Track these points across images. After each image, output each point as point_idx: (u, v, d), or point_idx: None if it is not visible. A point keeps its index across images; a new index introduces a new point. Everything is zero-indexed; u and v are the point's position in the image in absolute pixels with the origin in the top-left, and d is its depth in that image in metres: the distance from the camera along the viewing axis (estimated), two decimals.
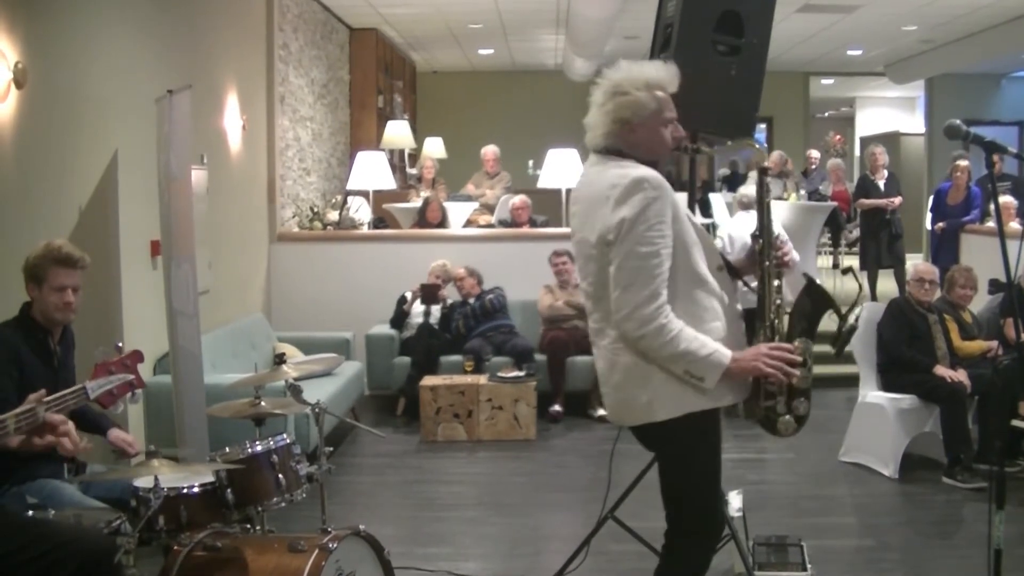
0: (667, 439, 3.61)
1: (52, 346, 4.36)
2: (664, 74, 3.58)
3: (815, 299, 3.73)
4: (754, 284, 3.80)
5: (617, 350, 3.55)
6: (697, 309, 3.49)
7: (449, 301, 9.54)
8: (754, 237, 3.80)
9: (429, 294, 9.40)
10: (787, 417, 3.68)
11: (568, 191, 11.00)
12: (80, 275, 4.41)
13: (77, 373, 4.43)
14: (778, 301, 3.71)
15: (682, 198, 4.00)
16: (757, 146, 4.29)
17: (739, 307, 3.70)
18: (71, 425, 3.98)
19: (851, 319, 3.84)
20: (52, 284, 4.31)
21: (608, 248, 3.43)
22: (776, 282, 3.72)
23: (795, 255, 4.06)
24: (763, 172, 3.86)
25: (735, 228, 9.30)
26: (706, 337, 3.43)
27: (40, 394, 3.18)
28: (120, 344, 3.80)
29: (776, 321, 3.69)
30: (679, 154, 3.80)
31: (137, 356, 3.74)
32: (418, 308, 9.47)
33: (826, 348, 4.09)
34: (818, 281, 3.79)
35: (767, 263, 3.73)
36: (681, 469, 3.65)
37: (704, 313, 3.51)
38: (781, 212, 11.91)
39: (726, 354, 3.43)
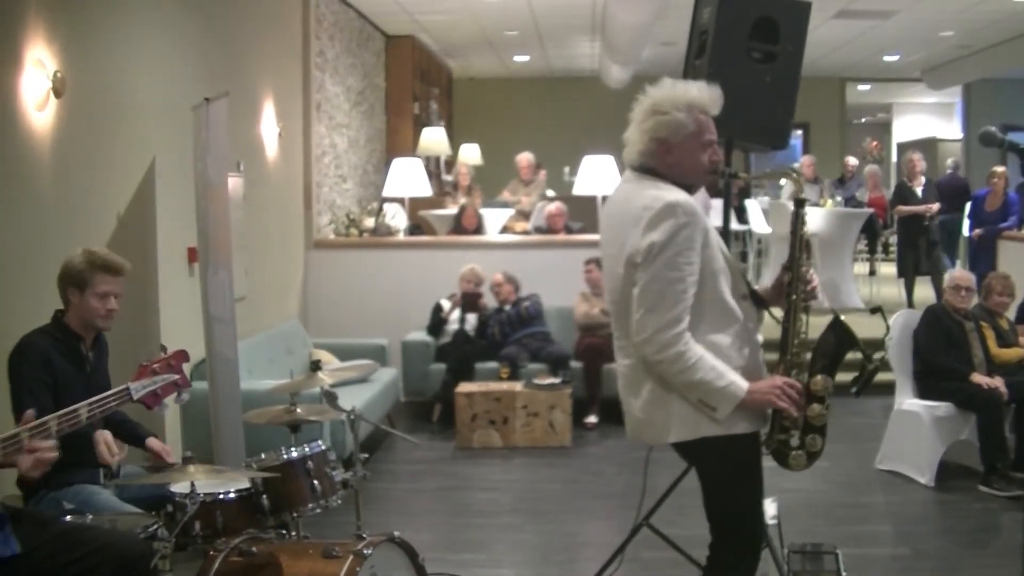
0: (701, 456, 3.61)
1: (84, 352, 4.39)
2: (706, 96, 3.55)
3: (840, 336, 3.67)
4: (779, 313, 3.76)
5: (639, 371, 3.54)
6: (719, 337, 3.48)
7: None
8: (784, 268, 3.76)
9: (470, 302, 9.43)
10: (799, 452, 3.66)
11: (604, 198, 11.01)
12: (122, 282, 4.45)
13: (113, 379, 4.46)
14: (803, 335, 3.67)
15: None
16: (794, 175, 4.19)
17: (760, 337, 3.68)
18: (108, 434, 4.01)
19: (875, 360, 3.77)
20: (96, 291, 4.32)
21: (634, 269, 3.42)
22: (803, 316, 3.68)
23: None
24: (800, 204, 3.77)
25: None
26: (725, 367, 3.41)
27: (29, 415, 3.12)
28: (164, 345, 3.82)
29: (798, 355, 3.66)
30: (715, 178, 3.74)
31: (182, 356, 3.76)
32: (455, 314, 9.49)
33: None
34: (843, 317, 3.72)
35: (794, 296, 3.69)
36: (716, 487, 3.64)
37: (725, 341, 3.49)
38: (817, 219, 11.85)
39: (742, 386, 3.41)
